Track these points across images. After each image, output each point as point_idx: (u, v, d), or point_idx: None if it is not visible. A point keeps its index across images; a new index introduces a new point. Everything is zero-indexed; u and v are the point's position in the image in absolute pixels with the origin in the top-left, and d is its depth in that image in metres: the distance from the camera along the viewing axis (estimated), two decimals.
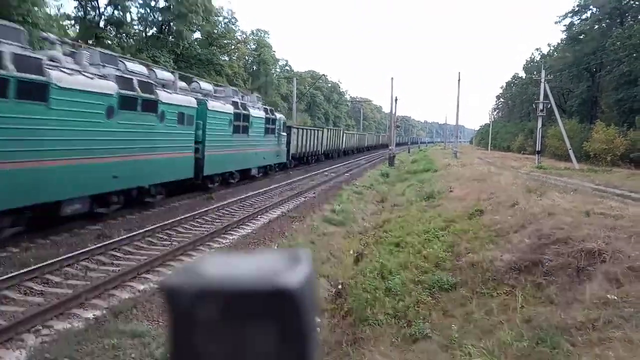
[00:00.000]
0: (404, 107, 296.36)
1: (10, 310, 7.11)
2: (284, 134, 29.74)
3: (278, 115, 28.89)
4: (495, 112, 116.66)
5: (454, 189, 21.46)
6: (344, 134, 55.79)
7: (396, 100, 48.13)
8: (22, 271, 8.45)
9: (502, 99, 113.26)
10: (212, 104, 19.62)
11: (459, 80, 49.30)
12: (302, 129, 37.05)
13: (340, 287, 10.07)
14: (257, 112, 24.80)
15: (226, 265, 0.47)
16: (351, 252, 13.36)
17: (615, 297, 7.00)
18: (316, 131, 41.01)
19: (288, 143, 31.12)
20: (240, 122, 22.18)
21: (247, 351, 0.44)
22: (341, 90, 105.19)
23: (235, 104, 21.89)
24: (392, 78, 46.08)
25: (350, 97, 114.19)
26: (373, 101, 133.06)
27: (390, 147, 46.45)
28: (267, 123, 26.28)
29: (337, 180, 28.49)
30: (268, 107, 27.94)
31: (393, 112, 50.17)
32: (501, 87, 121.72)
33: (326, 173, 32.24)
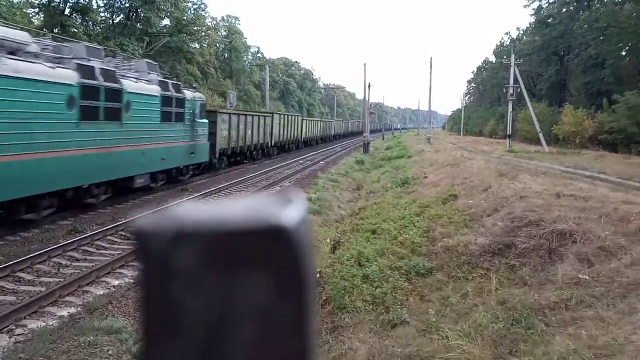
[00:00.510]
0: (378, 93, 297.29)
1: None
2: (204, 121, 21.51)
3: (191, 94, 20.34)
4: (467, 97, 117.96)
5: (428, 175, 21.69)
6: (304, 121, 48.05)
7: (369, 86, 48.24)
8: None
9: (473, 84, 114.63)
10: None
11: (430, 65, 49.72)
12: (236, 114, 28.05)
13: (317, 275, 10.10)
14: (143, 86, 16.13)
15: (209, 208, 0.38)
16: (328, 240, 13.38)
17: (587, 277, 7.20)
18: (259, 117, 32.15)
19: (213, 134, 23.08)
20: (99, 102, 13.48)
21: (236, 304, 0.36)
22: (314, 77, 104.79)
23: (81, 68, 12.80)
24: (364, 64, 46.22)
25: (324, 84, 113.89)
26: (346, 88, 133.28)
27: (364, 134, 46.58)
28: (168, 105, 17.69)
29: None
30: (172, 81, 19.30)
31: (366, 98, 50.25)
32: (472, 72, 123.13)
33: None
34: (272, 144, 35.44)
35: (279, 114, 38.90)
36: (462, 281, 9.18)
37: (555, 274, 7.75)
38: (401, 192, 18.98)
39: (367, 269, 9.70)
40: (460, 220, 12.58)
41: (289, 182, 22.64)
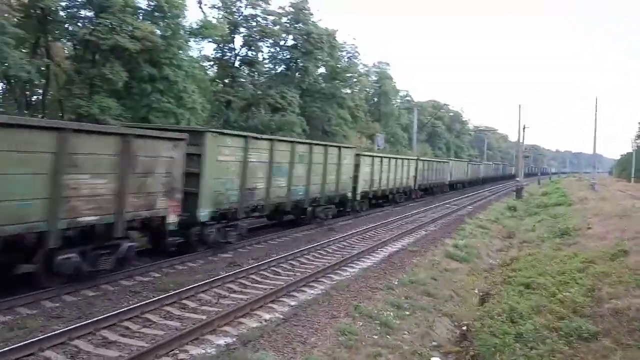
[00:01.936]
0: (533, 135, 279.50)
1: (152, 333, 7.78)
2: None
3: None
4: (638, 140, 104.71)
5: (593, 226, 19.66)
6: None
7: (524, 128, 45.62)
8: (162, 296, 9.28)
9: None
10: None
11: (596, 106, 45.68)
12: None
13: (465, 328, 9.61)
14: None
15: None
16: (476, 291, 12.73)
17: None
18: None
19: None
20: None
21: None
22: (463, 119, 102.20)
23: None
24: (519, 105, 44.00)
25: (474, 126, 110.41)
26: (498, 130, 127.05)
27: (517, 178, 43.88)
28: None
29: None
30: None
31: (521, 141, 47.53)
32: None
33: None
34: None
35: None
36: (634, 350, 8.07)
37: None
38: (560, 243, 17.44)
39: (520, 327, 9.02)
40: (632, 280, 11.16)
41: (434, 226, 22.10)
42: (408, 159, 33.79)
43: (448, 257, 15.38)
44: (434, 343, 8.90)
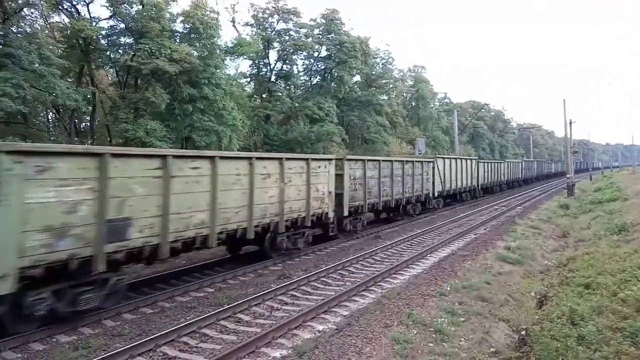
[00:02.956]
0: (581, 129, 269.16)
1: (209, 348, 7.93)
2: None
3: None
4: None
5: None
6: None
7: (571, 123, 44.12)
8: (217, 310, 9.46)
9: None
10: None
11: None
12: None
13: (523, 333, 9.32)
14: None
15: None
16: (532, 294, 12.33)
17: None
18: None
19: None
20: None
21: None
22: (506, 118, 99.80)
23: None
24: (564, 100, 42.49)
25: (517, 124, 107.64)
26: (543, 126, 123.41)
27: (568, 175, 42.41)
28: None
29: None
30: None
31: (568, 136, 45.97)
32: None
33: None
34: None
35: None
36: None
37: None
38: (618, 240, 16.72)
39: (582, 329, 8.69)
40: None
41: (485, 229, 21.59)
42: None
43: (501, 260, 14.98)
44: (492, 349, 8.66)
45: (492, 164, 44.56)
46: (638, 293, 10.13)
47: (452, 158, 32.60)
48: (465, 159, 35.49)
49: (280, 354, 7.64)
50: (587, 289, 11.26)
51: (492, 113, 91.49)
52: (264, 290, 10.93)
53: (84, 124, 30.71)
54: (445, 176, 29.73)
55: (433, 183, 27.62)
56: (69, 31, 24.64)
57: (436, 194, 28.28)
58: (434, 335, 8.65)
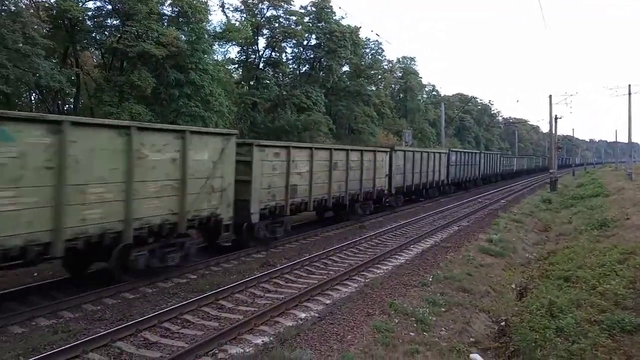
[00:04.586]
0: (566, 125, 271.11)
1: (191, 334, 7.90)
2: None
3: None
4: None
5: (631, 216, 19.06)
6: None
7: (556, 119, 44.49)
8: (199, 297, 9.41)
9: None
10: None
11: (629, 93, 44.12)
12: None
13: (503, 324, 9.44)
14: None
15: None
16: (513, 286, 12.50)
17: None
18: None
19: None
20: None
21: None
22: (492, 112, 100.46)
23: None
24: (550, 96, 42.75)
25: (503, 118, 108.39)
26: (529, 121, 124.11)
27: (551, 170, 42.90)
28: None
29: None
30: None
31: (553, 132, 46.42)
32: None
33: None
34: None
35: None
36: None
37: None
38: (598, 235, 16.98)
39: (561, 321, 8.82)
40: None
41: (468, 221, 21.79)
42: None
43: (483, 252, 15.14)
44: (472, 339, 8.77)
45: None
46: (616, 287, 10.32)
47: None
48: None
49: (262, 341, 7.63)
50: (566, 282, 11.43)
51: (479, 107, 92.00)
52: (246, 278, 10.91)
53: (67, 105, 30.19)
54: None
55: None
56: (54, 11, 24.09)
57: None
58: (415, 325, 8.73)
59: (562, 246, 16.13)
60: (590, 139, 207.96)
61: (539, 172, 78.68)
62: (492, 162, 50.45)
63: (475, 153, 45.46)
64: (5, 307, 8.51)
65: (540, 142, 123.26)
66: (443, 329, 8.85)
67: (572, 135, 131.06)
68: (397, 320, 8.79)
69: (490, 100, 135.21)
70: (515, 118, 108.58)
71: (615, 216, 19.68)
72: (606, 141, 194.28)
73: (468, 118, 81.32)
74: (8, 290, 9.42)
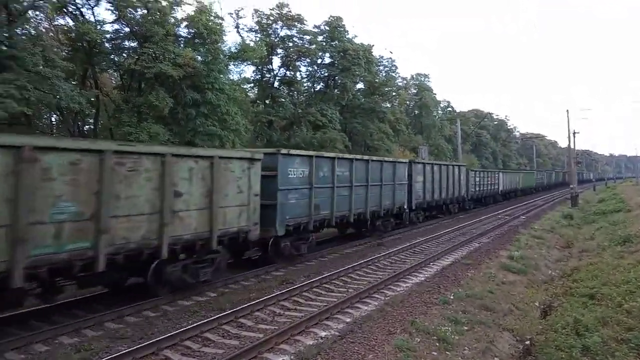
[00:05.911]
0: (585, 140, 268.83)
1: (212, 352, 7.86)
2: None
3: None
4: None
5: None
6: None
7: (574, 134, 44.13)
8: (219, 315, 9.39)
9: None
10: None
11: None
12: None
13: (528, 343, 9.25)
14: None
15: None
16: (537, 304, 12.26)
17: None
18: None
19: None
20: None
21: None
22: (509, 127, 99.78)
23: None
24: (567, 110, 42.52)
25: (520, 133, 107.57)
26: (547, 136, 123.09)
27: (571, 186, 42.33)
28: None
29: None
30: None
31: (571, 146, 45.93)
32: None
33: None
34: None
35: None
36: None
37: None
38: (621, 251, 16.65)
39: (587, 339, 8.63)
40: None
41: (488, 238, 21.51)
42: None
43: (504, 269, 14.91)
44: (496, 359, 8.60)
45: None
46: None
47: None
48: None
49: (283, 359, 7.57)
50: (591, 299, 11.20)
51: (496, 122, 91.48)
52: (266, 296, 10.87)
53: (87, 126, 30.72)
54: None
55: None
56: (73, 34, 24.68)
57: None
58: (437, 344, 8.59)
59: (585, 263, 15.83)
60: (610, 154, 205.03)
61: (559, 187, 77.74)
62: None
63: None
64: (30, 326, 8.59)
65: (560, 157, 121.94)
66: (466, 348, 8.69)
67: (591, 150, 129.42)
68: (418, 339, 8.65)
69: (506, 116, 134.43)
70: (532, 133, 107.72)
71: (638, 232, 19.29)
72: (626, 155, 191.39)
73: (484, 134, 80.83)
74: (33, 309, 9.50)
